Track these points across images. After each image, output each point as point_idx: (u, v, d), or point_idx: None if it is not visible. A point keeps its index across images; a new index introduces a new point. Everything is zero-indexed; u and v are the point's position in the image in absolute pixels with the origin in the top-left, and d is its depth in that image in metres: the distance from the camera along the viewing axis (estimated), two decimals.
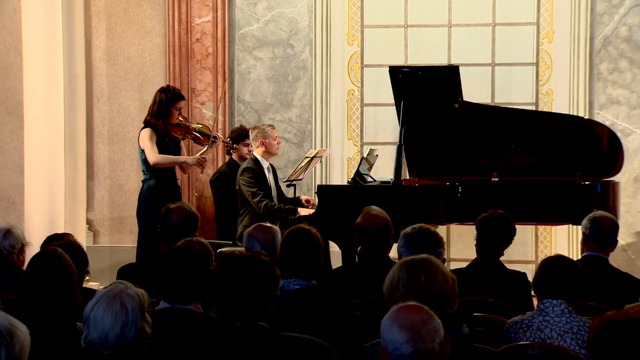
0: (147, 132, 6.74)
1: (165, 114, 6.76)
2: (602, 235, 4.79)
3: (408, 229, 4.36)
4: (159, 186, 6.78)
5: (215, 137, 7.01)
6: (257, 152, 7.17)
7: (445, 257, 4.37)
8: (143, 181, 6.89)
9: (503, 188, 6.84)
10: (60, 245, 4.12)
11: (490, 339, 3.80)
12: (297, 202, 7.28)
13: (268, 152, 7.18)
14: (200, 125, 7.13)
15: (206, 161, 7.09)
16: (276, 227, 4.72)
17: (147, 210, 6.72)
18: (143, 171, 6.86)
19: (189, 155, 7.35)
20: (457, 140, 7.15)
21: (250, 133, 7.32)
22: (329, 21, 8.19)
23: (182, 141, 6.99)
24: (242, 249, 6.29)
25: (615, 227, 4.87)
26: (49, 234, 5.10)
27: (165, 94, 6.80)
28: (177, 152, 6.90)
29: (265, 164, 7.21)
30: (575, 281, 3.83)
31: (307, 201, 7.28)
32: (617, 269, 4.83)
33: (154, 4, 8.37)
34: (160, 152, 6.74)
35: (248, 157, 7.33)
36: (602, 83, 7.92)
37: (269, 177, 7.23)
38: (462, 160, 7.17)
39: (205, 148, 6.98)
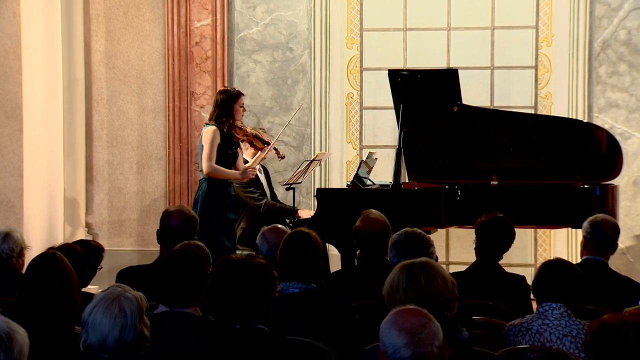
0: (211, 131, 6.53)
1: (229, 113, 6.59)
2: (604, 240, 4.76)
3: (395, 237, 4.33)
4: (216, 185, 6.58)
5: (267, 143, 6.91)
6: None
7: (437, 255, 4.36)
8: (201, 180, 6.66)
9: (502, 191, 6.84)
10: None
11: (489, 342, 3.80)
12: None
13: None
14: (254, 130, 7.07)
15: (254, 171, 6.85)
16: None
17: (205, 205, 6.50)
18: (201, 170, 6.64)
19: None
20: (456, 143, 7.15)
21: None
22: (328, 24, 8.18)
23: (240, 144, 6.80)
24: (241, 252, 6.29)
25: (616, 231, 4.85)
26: (48, 238, 5.12)
27: (225, 94, 6.65)
28: (236, 155, 6.69)
29: (256, 166, 7.22)
30: (575, 285, 3.82)
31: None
32: (617, 273, 4.81)
33: (153, 7, 8.37)
34: (220, 155, 6.54)
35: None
36: (601, 86, 7.92)
37: (261, 177, 7.29)
38: (461, 163, 7.17)
39: (259, 153, 6.89)
